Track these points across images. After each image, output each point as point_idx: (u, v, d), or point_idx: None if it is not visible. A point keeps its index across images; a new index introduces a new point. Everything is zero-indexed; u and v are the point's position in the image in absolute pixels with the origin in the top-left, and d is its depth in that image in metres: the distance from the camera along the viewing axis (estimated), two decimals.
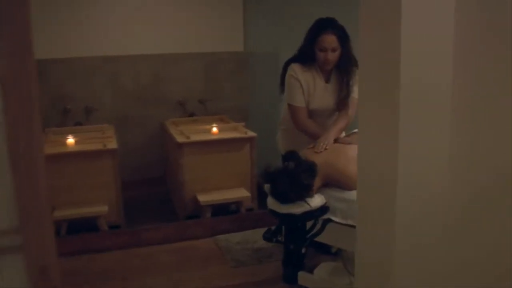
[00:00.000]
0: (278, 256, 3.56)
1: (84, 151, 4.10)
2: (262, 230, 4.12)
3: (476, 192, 1.76)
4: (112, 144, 4.23)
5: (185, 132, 4.48)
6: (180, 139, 4.35)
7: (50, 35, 4.76)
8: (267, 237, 2.72)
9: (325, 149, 2.87)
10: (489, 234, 1.81)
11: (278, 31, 4.70)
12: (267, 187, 2.73)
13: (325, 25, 3.09)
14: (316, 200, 2.59)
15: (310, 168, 2.60)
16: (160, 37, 5.20)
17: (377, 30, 1.63)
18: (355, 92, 3.20)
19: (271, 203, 2.67)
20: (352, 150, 2.83)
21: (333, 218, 2.67)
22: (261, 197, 4.62)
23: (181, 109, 5.41)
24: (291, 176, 2.54)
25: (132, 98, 5.23)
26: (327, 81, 3.23)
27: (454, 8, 1.58)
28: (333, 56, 3.09)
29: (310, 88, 3.19)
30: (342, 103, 3.24)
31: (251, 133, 4.52)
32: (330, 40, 3.06)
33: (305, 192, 2.56)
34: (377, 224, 1.72)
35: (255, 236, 3.99)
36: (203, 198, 4.26)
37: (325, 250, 3.46)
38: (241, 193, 4.40)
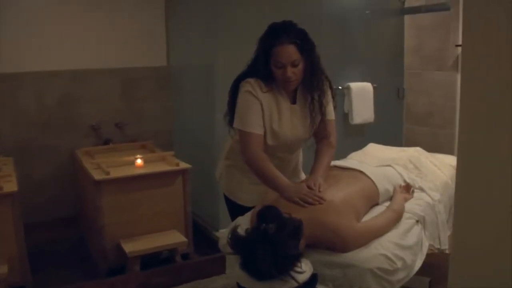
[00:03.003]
0: None
1: None
2: (203, 282, 3.51)
3: None
4: (11, 186, 3.37)
5: (103, 166, 3.70)
6: (97, 175, 3.57)
7: None
8: None
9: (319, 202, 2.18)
10: None
11: (211, 40, 3.99)
12: (232, 256, 2.04)
13: (278, 33, 2.33)
14: (305, 272, 1.92)
15: (296, 230, 1.94)
16: (69, 51, 4.41)
17: None
18: (330, 113, 2.56)
19: (242, 278, 1.95)
20: (338, 198, 2.20)
21: None
22: (198, 240, 3.95)
23: (94, 135, 4.64)
24: (273, 245, 1.85)
25: (34, 123, 4.42)
26: (293, 102, 2.51)
27: None
28: (294, 73, 2.34)
29: (273, 113, 2.44)
30: (321, 128, 2.54)
31: (184, 165, 3.81)
32: (287, 53, 2.30)
33: (291, 264, 1.89)
34: None
35: None
36: (129, 247, 3.50)
37: None
38: (176, 237, 3.68)
